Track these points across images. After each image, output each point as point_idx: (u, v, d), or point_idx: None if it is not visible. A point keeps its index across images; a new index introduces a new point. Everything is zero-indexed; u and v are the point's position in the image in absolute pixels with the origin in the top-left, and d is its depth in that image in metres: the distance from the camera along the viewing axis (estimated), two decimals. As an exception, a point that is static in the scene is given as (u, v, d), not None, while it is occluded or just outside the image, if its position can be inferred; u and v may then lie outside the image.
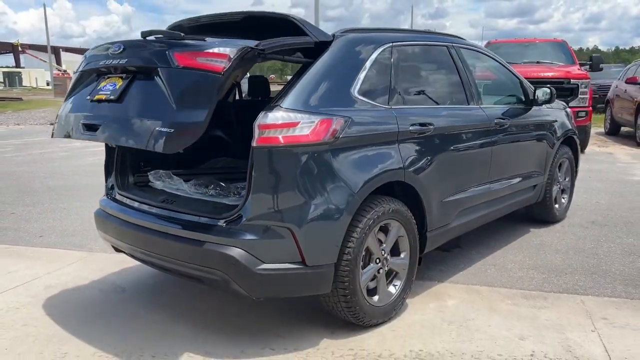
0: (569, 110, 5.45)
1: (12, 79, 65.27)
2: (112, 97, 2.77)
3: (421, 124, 3.26)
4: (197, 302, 3.48)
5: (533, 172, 4.61)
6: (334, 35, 3.08)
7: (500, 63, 4.53)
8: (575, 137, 5.28)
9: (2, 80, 64.90)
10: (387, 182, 3.05)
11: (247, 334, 3.03)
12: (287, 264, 2.68)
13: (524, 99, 4.56)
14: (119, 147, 3.34)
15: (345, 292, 2.87)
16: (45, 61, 66.73)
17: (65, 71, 65.06)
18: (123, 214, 3.17)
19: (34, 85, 65.02)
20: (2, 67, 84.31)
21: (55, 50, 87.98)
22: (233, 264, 2.60)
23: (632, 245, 4.55)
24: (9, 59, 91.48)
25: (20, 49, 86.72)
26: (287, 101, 2.69)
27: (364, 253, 2.98)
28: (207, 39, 2.72)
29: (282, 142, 2.61)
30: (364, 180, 2.86)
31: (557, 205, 5.18)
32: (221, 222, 2.68)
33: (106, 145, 3.40)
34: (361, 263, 2.97)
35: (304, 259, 2.70)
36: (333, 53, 2.98)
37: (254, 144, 2.59)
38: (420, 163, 3.26)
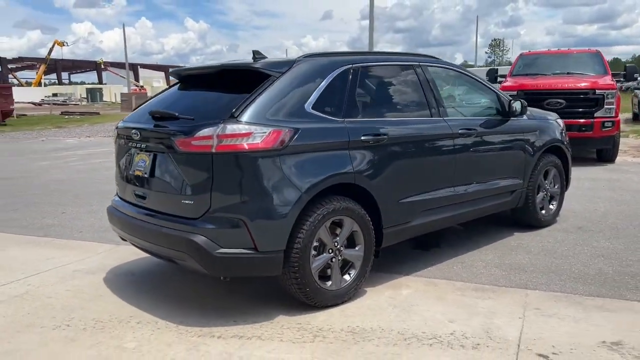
0: (560, 121, 5.74)
1: (94, 94, 69.95)
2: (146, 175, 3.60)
3: (374, 134, 3.77)
4: (184, 285, 4.12)
5: (508, 178, 4.96)
6: (294, 61, 3.67)
7: (475, 79, 4.93)
8: (563, 146, 5.55)
9: (85, 96, 69.68)
10: (339, 183, 3.58)
11: (218, 310, 3.63)
12: (241, 249, 3.27)
13: (500, 111, 4.93)
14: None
15: (296, 275, 3.41)
16: (124, 77, 71.46)
17: (142, 87, 69.22)
18: (125, 209, 3.88)
19: (113, 100, 69.42)
20: (86, 83, 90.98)
21: (134, 67, 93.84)
22: (196, 248, 3.22)
23: (605, 249, 4.79)
24: (92, 76, 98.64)
25: (102, 66, 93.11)
26: (244, 115, 3.29)
27: (317, 243, 3.52)
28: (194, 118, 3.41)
29: (237, 149, 3.21)
30: (311, 181, 3.40)
31: (543, 211, 5.47)
32: None
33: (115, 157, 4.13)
34: (314, 252, 3.50)
35: (256, 246, 3.27)
36: (290, 76, 3.56)
37: (213, 150, 3.21)
38: (373, 168, 3.75)
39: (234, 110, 3.31)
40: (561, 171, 5.60)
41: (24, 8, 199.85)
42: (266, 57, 3.98)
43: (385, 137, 3.83)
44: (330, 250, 3.61)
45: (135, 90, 58.14)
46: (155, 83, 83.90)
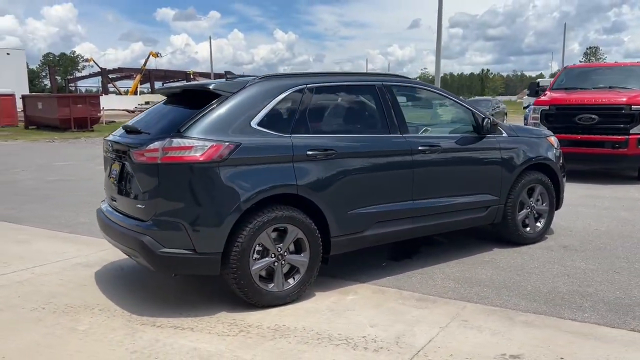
0: (553, 139, 5.73)
1: (181, 102, 73.85)
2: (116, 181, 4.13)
3: (322, 149, 4.07)
4: (162, 281, 4.58)
5: (481, 194, 5.05)
6: (247, 82, 4.06)
7: (449, 97, 5.10)
8: (551, 164, 5.54)
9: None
10: (282, 194, 3.92)
11: (175, 304, 4.06)
12: (181, 250, 3.68)
13: (475, 128, 5.04)
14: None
15: (235, 276, 3.78)
16: None
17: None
18: (105, 212, 4.42)
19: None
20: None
21: (221, 77, 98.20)
22: (143, 247, 3.68)
23: (575, 269, 4.76)
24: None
25: (192, 76, 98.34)
26: (189, 131, 3.72)
27: (260, 248, 3.87)
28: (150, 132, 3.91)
29: (180, 160, 3.64)
30: (249, 191, 3.76)
31: (527, 229, 5.48)
32: None
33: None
34: (257, 255, 3.86)
35: (195, 247, 3.68)
36: (240, 95, 3.96)
37: (159, 161, 3.66)
38: (319, 180, 4.05)
39: (180, 126, 3.74)
40: (549, 189, 5.57)
41: (129, 22, 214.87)
42: (238, 77, 4.39)
43: (334, 152, 4.12)
44: (273, 255, 3.94)
45: None
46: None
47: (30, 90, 66.05)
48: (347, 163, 4.22)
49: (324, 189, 4.09)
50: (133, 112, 63.78)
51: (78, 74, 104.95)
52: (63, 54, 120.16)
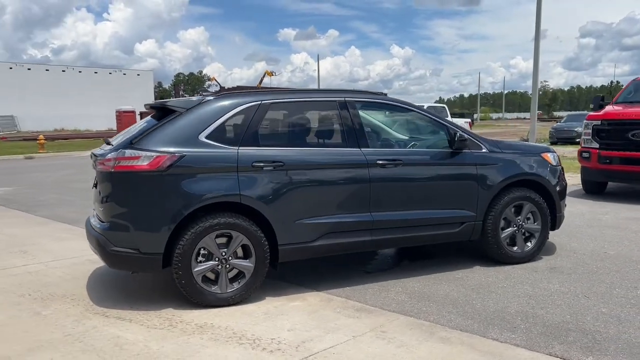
0: (548, 155, 5.50)
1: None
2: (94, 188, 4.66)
3: (269, 161, 4.32)
4: (139, 281, 5.07)
5: (452, 209, 4.98)
6: (204, 98, 4.44)
7: (421, 113, 5.12)
8: (541, 180, 5.32)
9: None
10: (226, 202, 4.22)
11: (138, 299, 4.48)
12: (128, 249, 4.11)
13: (449, 143, 5.01)
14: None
15: (177, 276, 4.14)
16: None
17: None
18: (90, 219, 4.98)
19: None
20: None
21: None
22: (98, 245, 4.17)
23: (544, 290, 4.54)
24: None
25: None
26: (140, 143, 4.16)
27: (204, 251, 4.20)
28: (114, 144, 4.36)
29: (128, 169, 4.09)
30: (190, 198, 4.11)
31: (515, 248, 5.28)
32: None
33: None
34: (201, 258, 4.20)
35: (139, 248, 4.09)
36: (193, 111, 4.34)
37: (112, 170, 4.13)
38: (265, 190, 4.31)
39: (134, 139, 4.20)
40: (541, 207, 5.33)
41: (254, 43, 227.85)
42: (226, 93, 4.72)
43: (282, 163, 4.36)
44: (217, 259, 4.25)
45: None
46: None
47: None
48: (295, 175, 4.43)
49: (270, 199, 4.33)
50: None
51: (204, 92, 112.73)
52: (191, 74, 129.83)
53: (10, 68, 56.36)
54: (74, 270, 5.36)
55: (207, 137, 4.28)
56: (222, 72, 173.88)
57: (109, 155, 4.19)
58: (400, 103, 5.19)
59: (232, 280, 4.33)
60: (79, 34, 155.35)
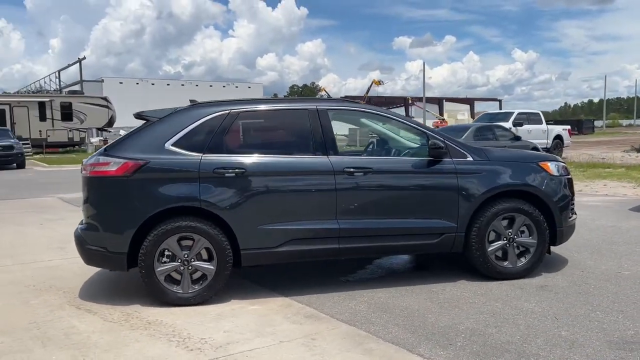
0: (548, 164, 5.13)
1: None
2: None
3: (231, 168, 4.49)
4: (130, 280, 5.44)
5: (428, 219, 4.80)
6: (176, 109, 4.72)
7: (401, 121, 5.02)
8: (536, 191, 4.97)
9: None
10: (187, 206, 4.45)
11: (117, 295, 4.84)
12: (98, 247, 4.48)
13: (429, 152, 4.86)
14: None
15: (141, 275, 4.44)
16: (429, 111, 76.59)
17: (443, 119, 72.55)
18: None
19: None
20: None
21: (439, 101, 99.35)
22: (77, 242, 4.59)
23: (516, 309, 4.23)
24: (401, 111, 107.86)
25: (410, 101, 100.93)
26: (112, 150, 4.53)
27: (169, 252, 4.46)
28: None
29: (99, 174, 4.47)
30: (151, 202, 4.39)
31: (505, 262, 4.97)
32: None
33: None
34: (164, 259, 4.46)
35: (106, 247, 4.44)
36: (164, 120, 4.63)
37: (88, 174, 4.53)
38: (226, 196, 4.48)
39: (106, 146, 4.57)
40: (537, 220, 4.96)
41: (368, 53, 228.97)
42: (199, 103, 5.03)
43: (244, 170, 4.51)
44: (179, 260, 4.48)
45: (437, 123, 61.34)
46: (460, 116, 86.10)
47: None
48: (257, 181, 4.55)
49: (231, 204, 4.49)
50: (347, 137, 68.36)
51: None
52: (305, 85, 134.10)
53: (137, 83, 61.79)
54: (87, 268, 5.83)
55: (173, 145, 4.54)
56: (337, 82, 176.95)
57: (87, 160, 4.60)
58: (377, 111, 5.11)
59: (196, 281, 4.54)
60: (206, 50, 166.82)
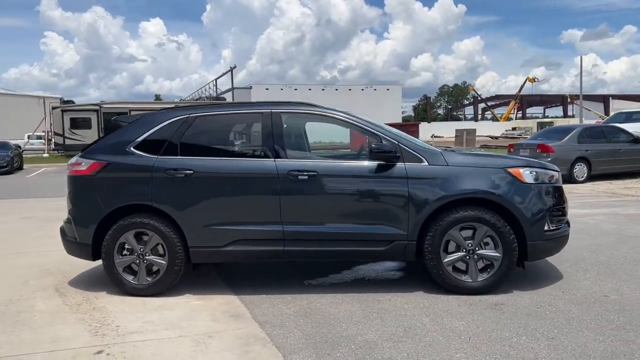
0: (519, 171, 4.64)
1: (543, 128, 70.92)
2: None
3: (180, 169, 4.77)
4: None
5: (376, 226, 4.61)
6: (143, 114, 5.12)
7: (358, 125, 4.88)
8: (500, 200, 4.52)
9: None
10: (140, 204, 4.82)
11: (104, 283, 5.38)
12: (73, 238, 5.03)
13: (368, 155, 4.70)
14: None
15: (104, 265, 4.91)
16: (590, 110, 70.27)
17: (603, 118, 65.95)
18: None
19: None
20: (546, 117, 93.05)
21: (604, 98, 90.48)
22: (60, 233, 5.21)
23: (440, 326, 3.94)
24: (558, 110, 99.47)
25: (569, 100, 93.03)
26: (86, 151, 5.06)
27: (129, 246, 4.88)
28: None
29: (74, 173, 5.02)
30: (109, 199, 4.83)
31: (464, 276, 4.60)
32: None
33: None
34: (125, 252, 4.89)
35: (76, 238, 4.98)
36: (131, 125, 5.06)
37: (67, 173, 5.11)
38: (174, 195, 4.76)
39: (86, 148, 5.12)
40: (502, 232, 4.50)
41: (532, 48, 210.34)
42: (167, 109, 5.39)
43: (192, 171, 4.76)
44: (136, 254, 4.87)
45: (600, 122, 56.08)
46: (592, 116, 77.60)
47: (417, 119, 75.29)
48: (204, 182, 4.77)
49: (179, 204, 4.76)
50: (497, 138, 64.79)
51: (466, 102, 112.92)
52: (455, 85, 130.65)
53: (296, 89, 64.70)
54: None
55: (135, 147, 4.93)
56: (496, 80, 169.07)
57: (70, 161, 5.19)
58: (332, 114, 4.99)
59: (150, 274, 4.88)
60: (362, 54, 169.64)
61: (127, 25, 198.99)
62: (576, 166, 13.42)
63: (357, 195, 4.71)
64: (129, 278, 4.89)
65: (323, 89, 67.49)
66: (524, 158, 5.11)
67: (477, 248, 4.60)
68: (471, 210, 4.56)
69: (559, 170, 5.05)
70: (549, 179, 4.78)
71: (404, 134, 5.15)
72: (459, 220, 4.57)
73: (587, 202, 10.12)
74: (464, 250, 4.61)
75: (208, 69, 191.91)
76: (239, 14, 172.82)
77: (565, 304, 4.31)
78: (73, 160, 5.14)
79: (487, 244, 4.61)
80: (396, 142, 4.70)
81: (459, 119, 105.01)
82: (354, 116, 4.97)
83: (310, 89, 67.02)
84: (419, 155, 4.68)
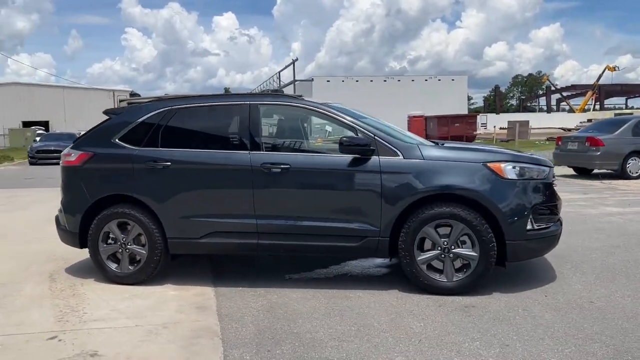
0: (500, 166, 4.37)
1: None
2: None
3: (161, 160, 4.83)
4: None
5: (348, 222, 4.48)
6: (129, 106, 5.23)
7: (334, 117, 4.75)
8: (476, 196, 4.28)
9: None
10: (121, 194, 4.94)
11: (93, 269, 5.57)
12: (64, 227, 5.23)
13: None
14: None
15: (90, 253, 5.07)
16: None
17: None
18: None
19: None
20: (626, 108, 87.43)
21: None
22: (55, 222, 5.42)
23: (396, 326, 3.79)
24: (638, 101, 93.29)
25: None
26: (76, 143, 5.23)
27: (113, 235, 5.02)
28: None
29: (65, 163, 5.21)
30: (94, 189, 4.97)
31: (438, 276, 4.39)
32: None
33: None
34: (110, 240, 5.03)
35: (66, 226, 5.17)
36: (117, 117, 5.17)
37: (60, 164, 5.31)
38: (153, 186, 4.84)
39: (76, 139, 5.29)
40: (478, 230, 4.26)
41: (618, 34, 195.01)
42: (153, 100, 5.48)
43: (169, 163, 4.82)
44: (119, 243, 5.00)
45: None
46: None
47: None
48: (181, 174, 4.81)
49: (157, 194, 4.83)
50: (569, 130, 61.62)
51: (541, 92, 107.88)
52: (530, 74, 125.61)
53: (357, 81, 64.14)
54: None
55: (119, 139, 5.04)
56: (577, 69, 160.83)
57: (63, 152, 5.38)
58: (311, 106, 4.87)
59: (132, 263, 4.99)
60: (432, 43, 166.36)
61: (201, 20, 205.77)
62: (630, 160, 12.55)
63: (330, 189, 4.60)
64: (113, 266, 5.02)
65: (385, 80, 66.23)
66: (512, 152, 4.81)
67: (452, 246, 4.38)
68: (446, 207, 4.34)
69: (552, 165, 4.72)
70: (537, 175, 4.47)
71: (387, 126, 4.98)
72: (434, 217, 4.36)
73: (625, 200, 9.43)
74: (439, 248, 4.40)
75: (278, 61, 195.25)
76: (309, 6, 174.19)
77: (541, 309, 4.03)
78: (65, 151, 5.33)
79: (464, 242, 4.38)
80: (372, 135, 4.54)
81: (533, 110, 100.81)
82: (333, 109, 4.84)
83: (371, 80, 66.03)
84: (394, 149, 4.50)
